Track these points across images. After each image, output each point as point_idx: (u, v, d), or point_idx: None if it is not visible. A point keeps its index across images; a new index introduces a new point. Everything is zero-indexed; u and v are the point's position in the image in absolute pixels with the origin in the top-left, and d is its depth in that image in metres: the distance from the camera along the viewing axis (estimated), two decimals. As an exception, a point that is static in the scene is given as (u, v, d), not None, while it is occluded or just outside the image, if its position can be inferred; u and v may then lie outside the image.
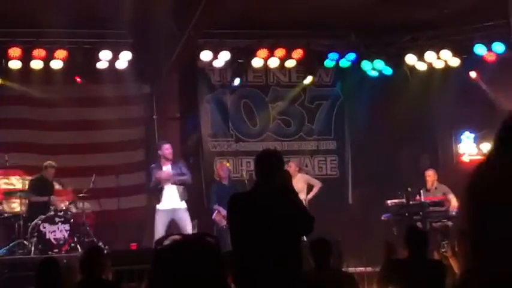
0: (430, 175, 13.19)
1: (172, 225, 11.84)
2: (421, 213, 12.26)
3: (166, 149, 12.15)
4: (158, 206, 11.96)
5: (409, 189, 12.43)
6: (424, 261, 6.88)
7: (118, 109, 14.56)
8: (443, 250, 9.81)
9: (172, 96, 14.88)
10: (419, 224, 12.06)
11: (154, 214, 11.94)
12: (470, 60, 14.48)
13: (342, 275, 7.26)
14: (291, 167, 12.81)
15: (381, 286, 7.14)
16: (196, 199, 13.47)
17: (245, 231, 5.68)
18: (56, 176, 13.04)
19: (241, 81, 14.83)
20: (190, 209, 12.12)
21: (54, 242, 12.19)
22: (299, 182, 12.63)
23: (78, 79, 14.02)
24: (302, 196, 12.25)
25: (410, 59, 14.62)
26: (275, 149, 11.83)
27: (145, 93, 14.74)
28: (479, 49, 14.22)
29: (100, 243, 11.94)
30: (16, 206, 12.77)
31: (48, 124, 14.30)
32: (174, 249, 2.18)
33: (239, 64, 14.61)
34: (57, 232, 12.26)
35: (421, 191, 12.44)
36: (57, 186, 13.06)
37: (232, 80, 14.79)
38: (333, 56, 14.69)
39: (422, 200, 12.34)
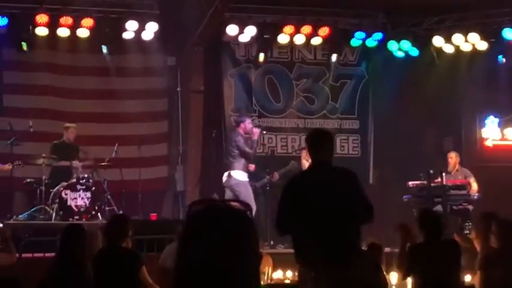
0: (452, 157, 13.13)
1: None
2: (442, 195, 12.23)
3: (249, 123, 12.27)
4: (247, 177, 12.09)
5: (431, 171, 12.37)
6: (439, 242, 6.90)
7: (142, 80, 14.60)
8: (466, 232, 9.80)
9: (196, 69, 14.86)
10: (439, 207, 12.05)
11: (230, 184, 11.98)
12: (498, 44, 14.36)
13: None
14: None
15: (403, 274, 7.17)
16: (219, 171, 13.53)
17: (307, 210, 5.75)
18: (79, 143, 13.12)
19: (266, 57, 14.75)
20: (213, 182, 12.09)
21: (75, 209, 12.29)
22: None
23: (104, 49, 14.04)
24: None
25: (438, 40, 14.51)
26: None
27: (170, 65, 14.73)
28: (508, 33, 14.09)
29: (120, 213, 12.02)
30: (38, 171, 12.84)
31: (72, 92, 14.36)
32: (206, 213, 2.19)
33: (265, 40, 14.53)
34: (78, 199, 12.36)
35: (443, 174, 12.37)
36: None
37: (257, 56, 14.72)
38: (359, 35, 14.59)
39: (444, 182, 12.27)
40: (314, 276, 5.62)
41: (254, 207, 11.35)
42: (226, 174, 11.98)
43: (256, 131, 12.27)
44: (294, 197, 5.89)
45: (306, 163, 12.76)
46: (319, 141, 6.06)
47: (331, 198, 5.73)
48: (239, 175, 11.86)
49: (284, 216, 5.85)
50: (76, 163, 12.86)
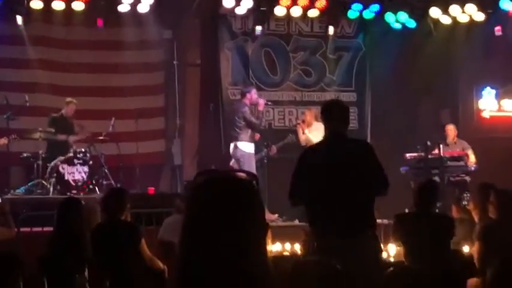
0: (451, 129, 13.15)
1: None
2: (439, 167, 12.23)
3: (255, 93, 12.26)
4: (253, 149, 12.09)
5: (428, 143, 12.36)
6: (429, 214, 6.86)
7: (139, 53, 14.51)
8: (464, 203, 9.82)
9: (193, 42, 14.78)
10: (437, 178, 12.05)
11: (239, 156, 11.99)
12: (495, 15, 14.30)
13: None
14: (307, 115, 12.84)
15: (394, 240, 7.20)
16: (216, 145, 13.52)
17: (319, 181, 5.76)
18: (76, 117, 13.08)
19: (262, 29, 14.66)
20: (211, 155, 12.05)
21: (73, 184, 12.30)
22: (314, 129, 12.59)
23: (100, 22, 13.94)
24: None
25: (435, 12, 14.44)
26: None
27: (166, 38, 14.61)
28: (505, 4, 14.03)
29: (118, 186, 12.01)
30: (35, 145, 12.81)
31: (68, 66, 14.28)
32: (209, 184, 2.17)
33: (261, 12, 14.44)
34: (75, 173, 12.36)
35: (441, 145, 12.37)
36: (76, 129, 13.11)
37: (254, 29, 14.63)
38: (356, 6, 14.49)
39: (442, 154, 12.27)
40: (317, 246, 5.63)
41: None
42: (232, 145, 12.06)
43: (262, 101, 12.29)
44: (306, 167, 5.88)
45: (302, 136, 12.75)
46: (332, 112, 6.04)
47: (344, 170, 5.73)
48: (246, 146, 11.93)
49: (297, 186, 5.86)
50: (72, 137, 12.85)
